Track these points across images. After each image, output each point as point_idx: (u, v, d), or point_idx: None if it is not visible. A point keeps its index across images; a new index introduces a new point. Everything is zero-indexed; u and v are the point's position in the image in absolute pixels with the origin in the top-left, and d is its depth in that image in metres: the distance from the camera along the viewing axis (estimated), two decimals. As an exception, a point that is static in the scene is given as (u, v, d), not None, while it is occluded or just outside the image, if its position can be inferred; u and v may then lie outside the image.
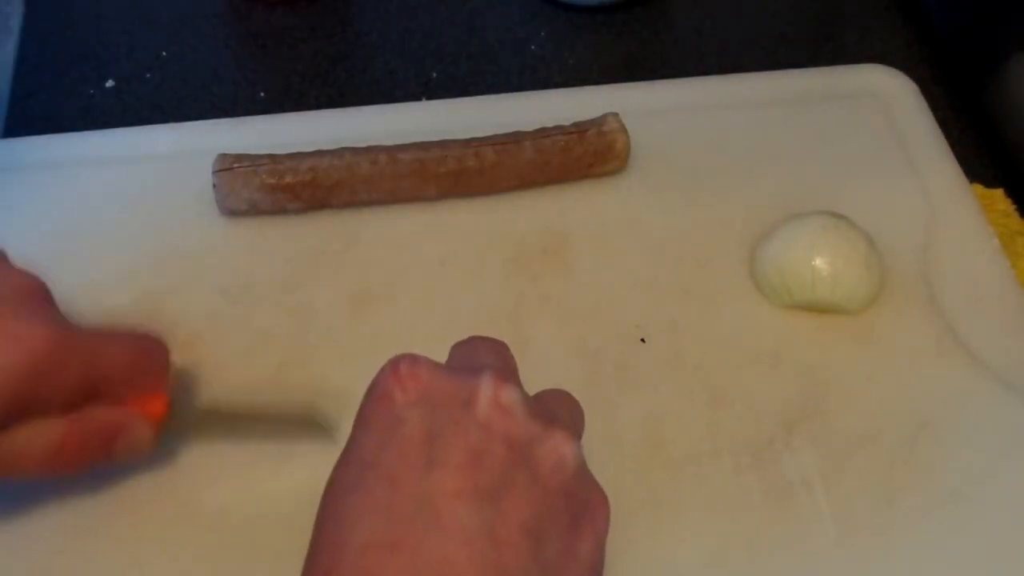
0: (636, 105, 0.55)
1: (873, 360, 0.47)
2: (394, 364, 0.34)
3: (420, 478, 0.31)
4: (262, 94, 0.62)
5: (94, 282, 0.49)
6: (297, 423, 0.44)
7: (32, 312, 0.37)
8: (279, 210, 0.51)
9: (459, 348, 0.39)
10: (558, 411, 0.36)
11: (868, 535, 0.42)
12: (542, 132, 0.52)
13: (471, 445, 0.32)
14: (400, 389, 0.33)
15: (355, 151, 0.51)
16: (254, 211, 0.51)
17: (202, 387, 0.45)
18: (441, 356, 0.47)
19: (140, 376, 0.40)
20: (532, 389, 0.45)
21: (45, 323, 0.37)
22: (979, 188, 0.56)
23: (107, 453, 0.40)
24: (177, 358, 0.43)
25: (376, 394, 0.34)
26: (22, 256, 0.50)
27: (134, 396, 0.40)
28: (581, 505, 0.34)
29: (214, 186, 0.50)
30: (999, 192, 0.57)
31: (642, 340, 0.48)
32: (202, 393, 0.45)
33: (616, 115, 0.53)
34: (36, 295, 0.39)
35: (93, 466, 0.40)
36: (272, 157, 0.51)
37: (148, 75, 0.63)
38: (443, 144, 0.52)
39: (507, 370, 0.37)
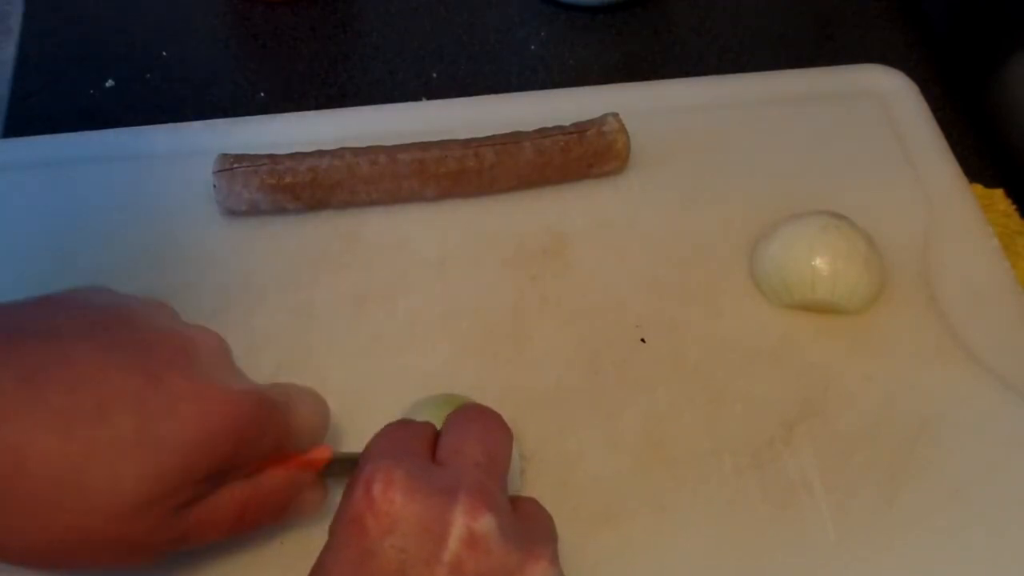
0: (636, 105, 0.55)
1: (873, 360, 0.47)
2: (367, 483, 0.33)
3: None
4: (262, 94, 0.62)
5: (94, 282, 0.49)
6: None
7: (231, 375, 0.36)
8: (279, 210, 0.51)
9: (450, 428, 0.37)
10: (533, 528, 0.35)
11: (868, 535, 0.42)
12: (542, 132, 0.52)
13: None
14: (372, 515, 0.32)
15: (355, 151, 0.51)
16: (254, 211, 0.51)
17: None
18: (441, 357, 0.47)
19: (314, 431, 0.39)
20: (531, 389, 0.46)
21: (245, 387, 0.36)
22: (979, 188, 0.56)
23: (280, 515, 0.39)
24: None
25: (348, 517, 0.33)
26: (22, 256, 0.50)
27: (300, 450, 0.39)
28: None
29: (214, 186, 0.50)
30: (999, 192, 0.57)
31: (642, 340, 0.48)
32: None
33: (616, 115, 0.53)
34: (226, 355, 0.38)
35: (263, 528, 0.39)
36: (272, 157, 0.51)
37: (148, 75, 0.63)
38: (443, 144, 0.52)
39: (491, 472, 0.35)
